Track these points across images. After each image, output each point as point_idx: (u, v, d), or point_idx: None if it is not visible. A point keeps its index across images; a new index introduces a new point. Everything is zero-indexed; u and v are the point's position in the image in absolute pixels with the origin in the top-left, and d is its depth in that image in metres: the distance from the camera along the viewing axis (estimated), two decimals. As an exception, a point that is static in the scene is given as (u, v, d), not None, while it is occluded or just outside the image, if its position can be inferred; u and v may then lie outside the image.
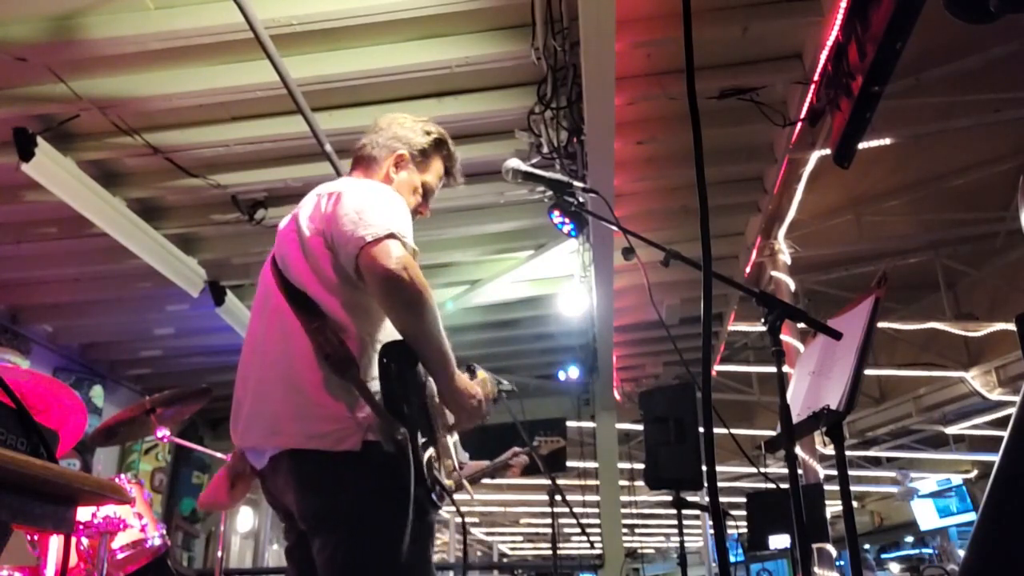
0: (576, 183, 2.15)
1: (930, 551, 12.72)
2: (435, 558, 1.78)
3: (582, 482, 8.87)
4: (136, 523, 3.29)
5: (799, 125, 4.52)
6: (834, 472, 2.50)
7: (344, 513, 1.61)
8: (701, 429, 4.09)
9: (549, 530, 5.42)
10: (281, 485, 1.71)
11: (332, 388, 1.64)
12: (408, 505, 1.58)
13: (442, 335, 1.68)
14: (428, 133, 2.05)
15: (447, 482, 1.73)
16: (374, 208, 1.70)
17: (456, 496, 1.81)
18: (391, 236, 1.63)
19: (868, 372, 6.80)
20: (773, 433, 2.38)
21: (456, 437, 2.01)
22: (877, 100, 3.68)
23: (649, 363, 8.37)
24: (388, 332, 1.71)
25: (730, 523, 5.24)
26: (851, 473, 4.23)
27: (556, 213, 2.31)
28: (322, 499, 1.64)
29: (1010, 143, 6.30)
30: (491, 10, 3.62)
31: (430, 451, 1.67)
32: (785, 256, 6.38)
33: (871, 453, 12.06)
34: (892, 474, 12.65)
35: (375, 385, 1.64)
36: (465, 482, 1.88)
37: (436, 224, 5.18)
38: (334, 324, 1.69)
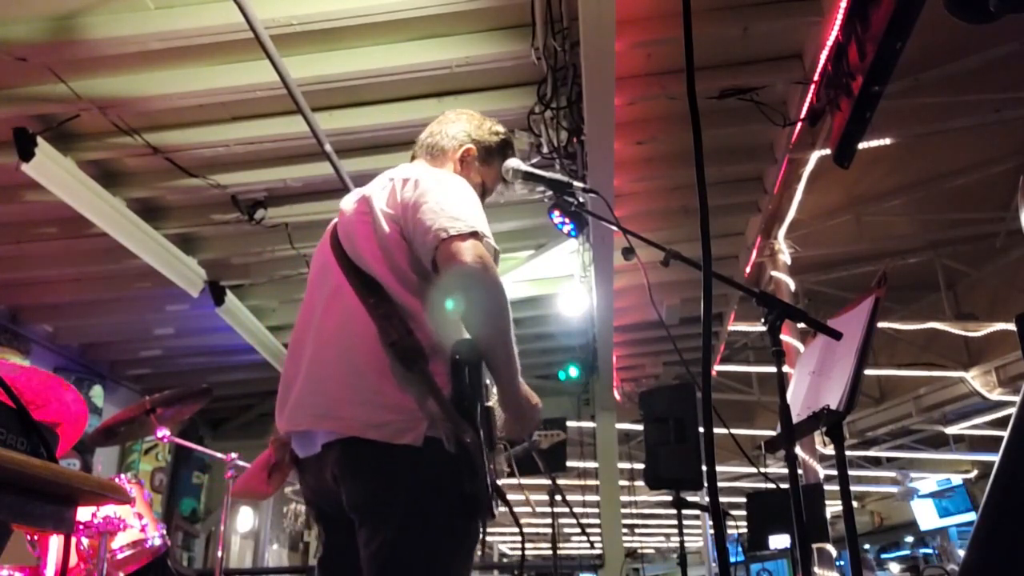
0: (576, 183, 2.14)
1: (930, 551, 12.73)
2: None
3: (582, 482, 8.88)
4: (136, 523, 3.29)
5: (799, 125, 4.52)
6: (834, 472, 2.50)
7: (398, 508, 1.54)
8: (701, 429, 4.09)
9: (549, 530, 5.42)
10: (328, 476, 1.63)
11: (396, 377, 1.58)
12: (463, 510, 1.55)
13: (513, 337, 1.64)
14: (496, 133, 2.02)
15: (503, 489, 1.68)
16: (456, 202, 1.66)
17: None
18: (474, 234, 1.60)
19: (868, 372, 6.79)
20: (773, 433, 2.38)
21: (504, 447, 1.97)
22: (877, 100, 3.68)
23: (649, 363, 8.37)
24: (459, 329, 1.64)
25: (730, 523, 5.24)
26: (851, 473, 4.24)
27: (556, 213, 2.30)
28: (376, 490, 1.57)
29: (1010, 143, 6.30)
30: (491, 10, 3.62)
31: (490, 457, 1.63)
32: (785, 256, 6.38)
33: (871, 453, 12.06)
34: (892, 474, 12.66)
35: (443, 381, 1.58)
36: (527, 493, 1.84)
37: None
38: (403, 312, 1.63)
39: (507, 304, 1.61)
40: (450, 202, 1.66)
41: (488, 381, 1.71)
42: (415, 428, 1.56)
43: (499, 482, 1.69)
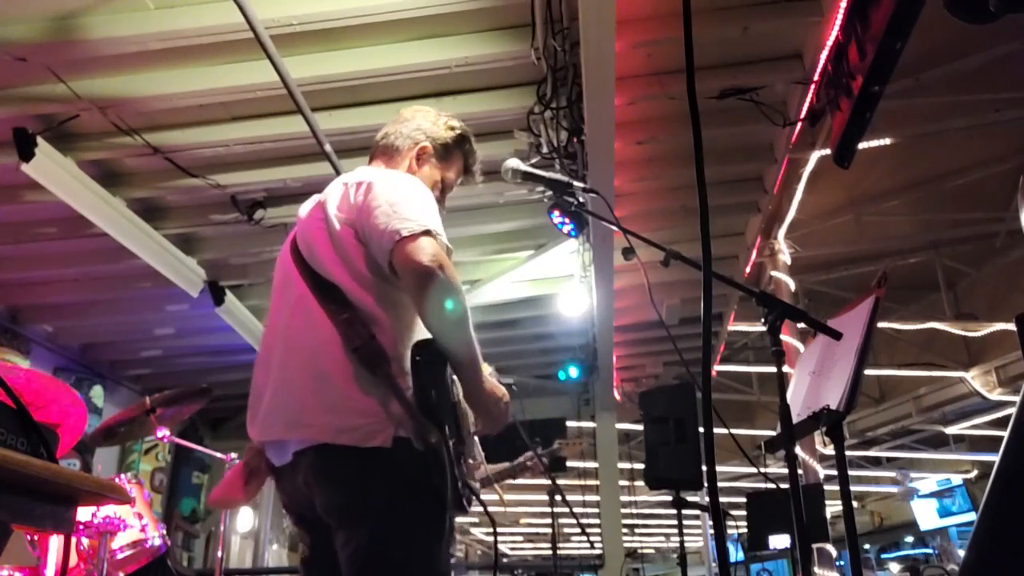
0: (576, 183, 2.14)
1: (930, 551, 12.73)
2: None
3: (582, 482, 8.87)
4: (136, 523, 3.29)
5: (799, 125, 4.52)
6: (834, 472, 2.50)
7: (373, 508, 1.57)
8: (701, 429, 4.09)
9: (549, 530, 5.43)
10: (302, 483, 1.65)
11: (361, 382, 1.60)
12: (434, 505, 1.57)
13: (473, 336, 1.65)
14: (452, 128, 2.02)
15: (475, 485, 1.71)
16: (408, 201, 1.67)
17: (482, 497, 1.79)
18: (426, 232, 1.61)
19: (868, 372, 6.79)
20: (773, 433, 2.38)
21: (477, 440, 1.99)
22: (877, 100, 3.68)
23: (649, 363, 8.37)
24: (420, 329, 1.67)
25: (730, 523, 5.24)
26: (851, 473, 4.23)
27: (556, 213, 2.31)
28: (350, 494, 1.59)
29: (1010, 143, 6.30)
30: (491, 10, 3.62)
31: (459, 453, 1.65)
32: (785, 256, 6.38)
33: (871, 453, 12.06)
34: (892, 474, 12.66)
35: (406, 383, 1.60)
36: (497, 487, 1.86)
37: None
38: (365, 316, 1.64)
39: (464, 301, 1.62)
40: (402, 203, 1.67)
41: (455, 377, 1.72)
42: (384, 430, 1.58)
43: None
